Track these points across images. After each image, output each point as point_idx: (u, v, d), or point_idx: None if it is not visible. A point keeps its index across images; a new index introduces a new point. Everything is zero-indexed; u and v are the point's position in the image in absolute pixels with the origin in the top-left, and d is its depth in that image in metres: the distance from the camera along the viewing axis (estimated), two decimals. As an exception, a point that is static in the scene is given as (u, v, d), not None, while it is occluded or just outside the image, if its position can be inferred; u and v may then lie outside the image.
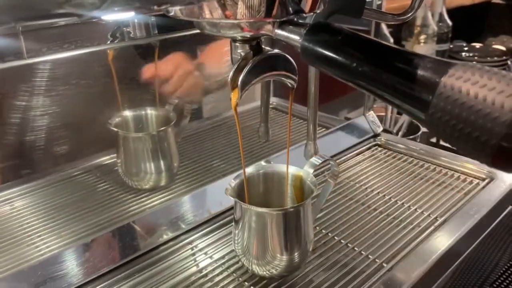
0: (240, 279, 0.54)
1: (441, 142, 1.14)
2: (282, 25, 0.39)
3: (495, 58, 1.60)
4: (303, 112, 0.67)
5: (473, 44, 1.74)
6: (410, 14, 0.61)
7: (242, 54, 0.43)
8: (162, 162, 0.67)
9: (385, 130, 0.92)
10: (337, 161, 0.80)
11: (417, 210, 0.66)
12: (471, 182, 0.73)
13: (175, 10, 0.40)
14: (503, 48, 1.70)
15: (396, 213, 0.65)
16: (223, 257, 0.57)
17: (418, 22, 1.43)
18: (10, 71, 0.53)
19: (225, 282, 0.53)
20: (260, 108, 0.64)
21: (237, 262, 0.56)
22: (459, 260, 0.59)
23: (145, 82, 0.68)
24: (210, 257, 0.57)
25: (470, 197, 0.68)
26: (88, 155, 0.67)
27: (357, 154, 0.84)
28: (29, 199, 0.62)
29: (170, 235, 0.61)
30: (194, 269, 0.56)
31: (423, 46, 1.44)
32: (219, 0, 0.38)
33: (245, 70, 0.41)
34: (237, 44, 0.43)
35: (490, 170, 0.73)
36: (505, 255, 0.79)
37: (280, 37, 0.39)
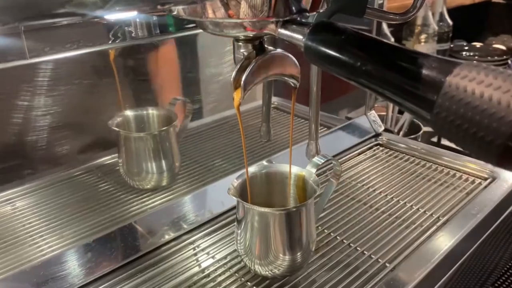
0: (243, 279, 0.53)
1: (443, 142, 1.14)
2: (285, 24, 0.39)
3: (496, 58, 1.60)
4: (304, 112, 0.67)
5: (474, 43, 1.74)
6: (412, 14, 0.61)
7: (245, 53, 0.43)
8: (163, 162, 0.66)
9: (386, 130, 0.92)
10: (339, 160, 0.80)
11: (419, 209, 0.66)
12: (473, 182, 0.72)
13: (178, 10, 0.40)
14: (504, 48, 1.70)
15: (398, 212, 0.65)
16: (225, 257, 0.57)
17: (419, 21, 1.43)
18: (12, 71, 0.53)
19: (228, 282, 0.53)
20: (262, 107, 0.64)
21: (239, 262, 0.56)
22: (461, 260, 0.59)
23: (147, 82, 0.68)
24: (212, 257, 0.57)
25: (472, 196, 0.68)
26: (90, 155, 0.67)
27: (359, 154, 0.84)
28: (30, 199, 0.62)
29: (172, 235, 0.61)
30: (196, 269, 0.56)
31: (424, 46, 1.44)
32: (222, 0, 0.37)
33: (248, 70, 0.41)
34: (240, 43, 0.43)
35: (492, 170, 0.73)
36: (507, 255, 0.78)
37: (283, 37, 0.39)
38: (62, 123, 0.61)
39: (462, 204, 0.66)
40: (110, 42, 0.60)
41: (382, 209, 0.66)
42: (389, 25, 1.30)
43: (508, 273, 0.87)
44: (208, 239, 0.61)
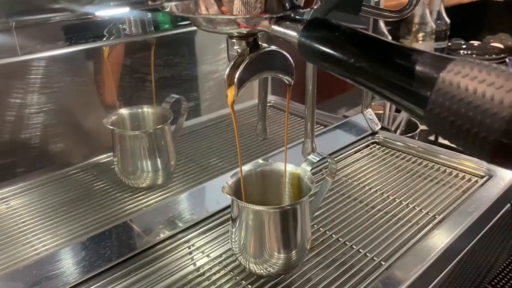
0: (238, 277, 0.53)
1: (440, 140, 1.14)
2: (278, 21, 0.38)
3: (493, 56, 1.60)
4: (301, 110, 0.67)
5: (471, 42, 1.74)
6: (408, 11, 0.61)
7: (239, 50, 0.42)
8: (159, 161, 0.66)
9: (383, 128, 0.92)
10: (335, 159, 0.80)
11: (416, 208, 0.66)
12: (469, 180, 0.72)
13: (170, 6, 0.39)
14: (501, 46, 1.70)
15: (395, 211, 0.65)
16: (220, 255, 0.57)
17: (416, 20, 1.43)
18: (3, 68, 0.53)
19: (223, 280, 0.53)
20: (258, 106, 0.64)
21: (234, 261, 0.55)
22: (457, 258, 0.59)
23: (142, 80, 0.68)
24: (207, 255, 0.57)
25: (468, 194, 0.68)
26: (84, 154, 0.66)
27: (355, 152, 0.83)
28: (24, 198, 0.62)
29: (167, 233, 0.60)
30: (191, 267, 0.55)
31: (421, 44, 1.43)
32: (215, -4, 0.37)
33: (242, 67, 0.41)
34: (234, 40, 0.43)
35: (489, 168, 0.72)
36: (504, 253, 0.78)
37: (277, 33, 0.38)
38: (55, 121, 0.60)
39: (459, 202, 0.66)
40: (104, 39, 0.59)
41: (378, 207, 0.66)
42: (387, 24, 1.30)
43: (506, 271, 0.87)
44: (203, 238, 0.60)
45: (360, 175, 0.75)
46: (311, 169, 0.54)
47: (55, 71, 0.57)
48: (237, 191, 0.52)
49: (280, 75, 0.45)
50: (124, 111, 0.67)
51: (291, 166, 0.55)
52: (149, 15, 0.62)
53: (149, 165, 0.66)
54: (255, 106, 0.63)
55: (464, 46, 1.70)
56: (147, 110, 0.69)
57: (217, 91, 0.77)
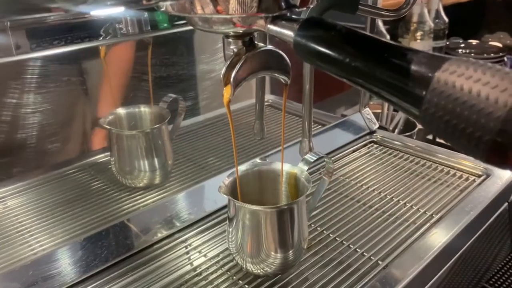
0: (235, 277, 0.53)
1: (438, 139, 1.13)
2: (274, 20, 0.38)
3: (492, 55, 1.60)
4: (298, 109, 0.67)
5: (470, 40, 1.74)
6: (405, 10, 0.61)
7: (235, 50, 0.42)
8: (156, 160, 0.66)
9: (381, 127, 0.92)
10: (333, 158, 0.80)
11: (413, 207, 0.66)
12: (467, 179, 0.72)
13: (166, 6, 0.39)
14: (500, 45, 1.70)
15: (392, 210, 0.65)
16: (217, 255, 0.57)
17: (415, 19, 1.43)
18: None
19: (219, 280, 0.53)
20: (255, 105, 0.64)
21: (231, 261, 0.55)
22: (455, 257, 0.59)
23: (139, 79, 0.68)
24: (204, 255, 0.57)
25: (466, 194, 0.68)
26: (81, 153, 0.66)
27: (353, 151, 0.83)
28: (21, 197, 0.61)
29: (164, 233, 0.60)
30: (188, 267, 0.55)
31: (420, 43, 1.43)
32: (210, -5, 0.37)
33: (238, 66, 0.41)
34: (230, 40, 0.43)
35: (486, 167, 0.73)
36: (502, 252, 0.78)
37: (273, 33, 0.38)
38: (52, 121, 0.60)
39: (456, 201, 0.66)
40: (100, 38, 0.59)
41: (376, 206, 0.66)
42: (385, 23, 1.30)
43: (503, 270, 0.87)
44: (201, 237, 0.60)
45: (357, 174, 0.75)
46: (308, 169, 0.53)
47: (51, 70, 0.57)
48: (233, 191, 0.52)
49: (276, 75, 0.45)
50: (121, 111, 0.67)
51: (288, 165, 0.55)
52: (146, 14, 0.62)
53: (146, 165, 0.66)
54: (253, 105, 0.63)
55: (462, 45, 1.70)
56: (144, 109, 0.69)
57: (214, 91, 0.77)
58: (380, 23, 1.24)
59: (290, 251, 0.50)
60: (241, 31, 0.41)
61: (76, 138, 0.65)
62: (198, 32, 0.64)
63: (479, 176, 0.72)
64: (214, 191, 0.52)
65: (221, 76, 0.41)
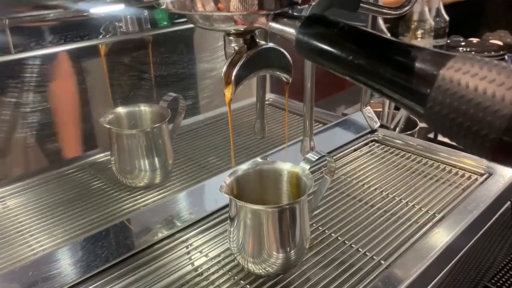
0: (236, 277, 0.53)
1: (439, 138, 1.13)
2: (276, 17, 0.38)
3: (492, 53, 1.60)
4: (299, 108, 0.66)
5: (470, 39, 1.73)
6: (407, 8, 0.60)
7: (236, 48, 0.42)
8: (156, 160, 0.66)
9: (382, 126, 0.91)
10: (334, 157, 0.79)
11: (415, 206, 0.65)
12: (469, 178, 0.72)
13: (166, 3, 0.39)
14: (500, 43, 1.69)
15: (394, 209, 0.65)
16: (218, 255, 0.56)
17: (415, 17, 1.43)
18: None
19: (221, 280, 0.53)
20: (256, 104, 0.63)
21: (232, 261, 0.55)
22: (457, 257, 0.58)
23: (139, 78, 0.67)
24: (206, 255, 0.57)
25: (468, 192, 0.68)
26: (81, 153, 0.66)
27: (354, 150, 0.83)
28: (21, 197, 0.61)
29: (165, 233, 0.60)
30: (189, 267, 0.55)
31: (420, 41, 1.43)
32: (211, -8, 0.37)
33: (239, 64, 0.41)
34: (231, 38, 0.42)
35: (489, 165, 0.72)
36: (504, 251, 0.78)
37: (274, 30, 0.38)
38: (51, 120, 0.60)
39: (458, 200, 0.66)
40: (100, 37, 0.59)
41: (378, 205, 0.66)
42: (386, 21, 1.29)
43: (506, 269, 0.87)
44: (202, 237, 0.60)
45: (359, 173, 0.75)
46: (310, 168, 0.53)
47: (50, 69, 0.57)
48: (235, 190, 0.52)
49: (278, 73, 0.44)
50: (121, 110, 0.67)
51: (290, 164, 0.54)
52: (146, 12, 0.62)
53: (147, 164, 0.65)
54: (253, 104, 0.62)
55: (463, 43, 1.70)
56: (144, 108, 0.68)
57: (215, 89, 0.77)
58: (380, 21, 1.23)
59: (292, 251, 0.50)
60: (242, 29, 0.41)
61: (75, 137, 0.64)
62: (199, 30, 0.64)
63: (482, 174, 0.72)
64: (215, 190, 0.52)
65: (222, 74, 0.41)
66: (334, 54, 0.34)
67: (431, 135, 1.20)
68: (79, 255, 0.54)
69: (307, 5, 0.41)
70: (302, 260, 0.54)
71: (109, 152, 0.66)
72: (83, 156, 0.66)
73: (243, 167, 0.54)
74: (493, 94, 0.25)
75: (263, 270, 0.51)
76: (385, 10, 0.60)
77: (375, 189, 0.70)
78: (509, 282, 0.84)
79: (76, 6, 0.29)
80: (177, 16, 0.65)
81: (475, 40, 1.74)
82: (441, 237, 0.58)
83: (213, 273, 0.54)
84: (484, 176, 0.71)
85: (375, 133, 0.88)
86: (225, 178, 0.52)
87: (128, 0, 0.41)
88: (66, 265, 0.53)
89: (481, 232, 0.63)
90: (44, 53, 0.55)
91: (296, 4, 0.39)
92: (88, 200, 0.63)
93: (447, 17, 1.49)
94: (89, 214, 0.61)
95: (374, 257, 0.55)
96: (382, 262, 0.54)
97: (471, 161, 0.74)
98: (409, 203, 0.66)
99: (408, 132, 1.03)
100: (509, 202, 0.69)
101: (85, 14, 0.55)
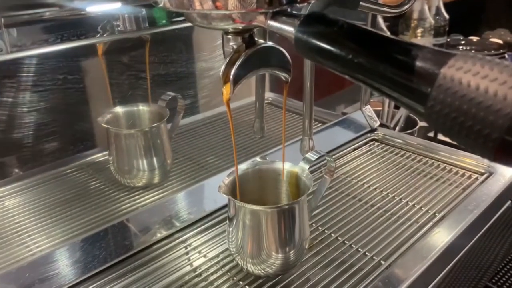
0: (235, 278, 0.52)
1: (439, 137, 1.13)
2: (275, 16, 0.37)
3: (492, 52, 1.59)
4: (299, 107, 0.66)
5: (470, 37, 1.73)
6: (406, 6, 0.60)
7: (234, 47, 0.41)
8: (155, 159, 0.65)
9: (382, 125, 0.91)
10: (334, 156, 0.79)
11: (415, 206, 0.65)
12: (469, 177, 0.72)
13: (164, 1, 0.39)
14: (500, 41, 1.69)
15: (394, 209, 0.64)
16: (217, 255, 0.56)
17: (415, 15, 1.42)
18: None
19: (220, 281, 0.52)
20: (255, 103, 0.63)
21: (231, 261, 0.55)
22: (458, 257, 0.58)
23: (137, 77, 0.67)
24: (204, 255, 0.56)
25: (468, 192, 0.67)
26: (80, 153, 0.65)
27: (354, 149, 0.83)
28: (18, 198, 0.61)
29: (164, 233, 0.60)
30: (188, 268, 0.55)
31: (420, 40, 1.43)
32: (209, -10, 0.36)
33: (237, 63, 0.40)
34: (229, 36, 0.42)
35: (489, 165, 0.72)
36: (504, 250, 0.78)
37: (273, 29, 0.38)
38: (49, 120, 0.59)
39: (459, 200, 0.65)
40: (98, 36, 0.58)
41: (378, 205, 0.65)
42: (385, 20, 1.29)
43: (506, 269, 0.87)
44: (200, 238, 0.60)
45: (359, 173, 0.75)
46: (309, 167, 0.53)
47: (47, 69, 0.56)
48: (234, 190, 0.51)
49: (277, 72, 0.44)
50: (119, 109, 0.66)
51: (289, 164, 0.54)
52: (143, 11, 0.61)
53: (145, 164, 0.65)
54: (252, 103, 0.62)
55: (463, 42, 1.70)
56: (142, 108, 0.68)
57: (214, 89, 0.76)
58: (380, 20, 1.23)
59: (291, 251, 0.50)
60: (240, 28, 0.40)
61: (73, 137, 0.64)
62: (197, 29, 0.63)
63: (482, 174, 0.72)
64: (214, 190, 0.51)
65: (221, 73, 0.41)
66: (334, 52, 0.34)
67: (431, 134, 1.19)
68: (77, 255, 0.54)
69: (306, 3, 0.41)
70: (302, 261, 0.53)
71: (107, 152, 0.66)
72: (81, 156, 0.66)
73: (242, 166, 0.54)
74: (495, 93, 0.25)
75: (262, 271, 0.50)
76: (385, 9, 0.59)
77: (375, 188, 0.70)
78: (509, 282, 0.84)
79: (72, 4, 0.29)
80: (175, 14, 0.65)
81: (475, 38, 1.73)
82: (441, 237, 0.57)
83: (212, 274, 0.53)
84: (485, 176, 0.71)
85: (375, 132, 0.87)
86: (223, 178, 0.51)
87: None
88: (64, 266, 0.53)
89: (481, 232, 0.62)
90: (41, 52, 0.54)
91: (295, 2, 0.38)
92: (86, 200, 0.63)
93: (447, 16, 1.48)
94: (87, 214, 0.60)
95: (374, 257, 0.55)
96: (382, 262, 0.54)
97: (472, 160, 0.74)
98: (409, 202, 0.66)
99: (408, 131, 1.03)
100: (509, 202, 0.69)
101: (82, 12, 0.54)
